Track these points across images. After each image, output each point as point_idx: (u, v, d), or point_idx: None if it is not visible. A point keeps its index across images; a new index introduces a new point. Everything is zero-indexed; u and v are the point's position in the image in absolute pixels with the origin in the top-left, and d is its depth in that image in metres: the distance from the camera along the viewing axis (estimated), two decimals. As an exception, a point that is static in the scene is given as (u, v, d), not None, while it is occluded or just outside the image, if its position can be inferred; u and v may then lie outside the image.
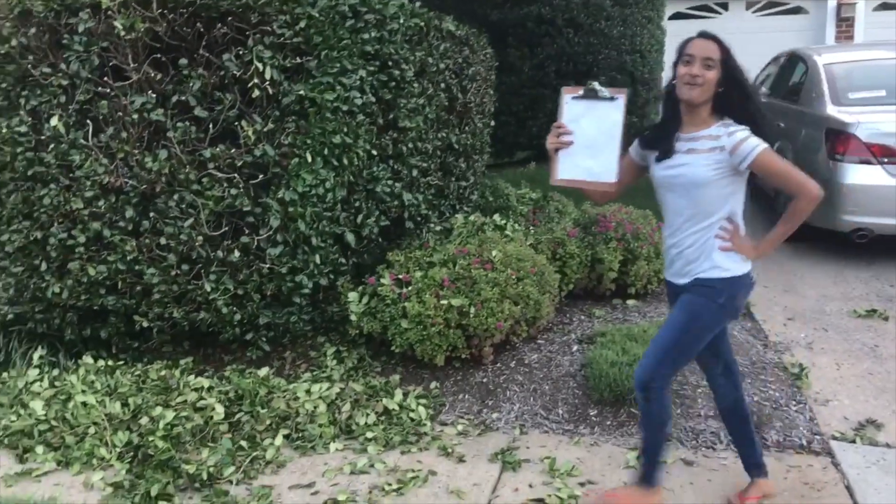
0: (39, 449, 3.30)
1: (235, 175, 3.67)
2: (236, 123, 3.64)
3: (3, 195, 3.82)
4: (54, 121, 3.70)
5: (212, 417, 3.44)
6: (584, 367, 3.92)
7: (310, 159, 3.66)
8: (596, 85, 2.65)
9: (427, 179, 4.70)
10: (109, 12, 3.59)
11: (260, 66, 3.56)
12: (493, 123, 5.78)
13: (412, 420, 3.57)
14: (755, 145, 2.47)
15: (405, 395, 3.74)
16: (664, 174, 2.64)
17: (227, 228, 3.73)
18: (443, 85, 4.65)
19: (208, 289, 3.74)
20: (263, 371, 3.83)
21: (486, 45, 5.49)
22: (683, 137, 2.60)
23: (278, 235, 3.74)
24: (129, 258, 3.73)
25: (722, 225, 2.58)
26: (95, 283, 3.79)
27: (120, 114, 3.67)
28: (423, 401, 3.70)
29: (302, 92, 3.61)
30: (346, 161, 3.82)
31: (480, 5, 8.96)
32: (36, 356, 3.84)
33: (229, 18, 3.58)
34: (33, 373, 3.74)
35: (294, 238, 3.75)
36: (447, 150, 4.92)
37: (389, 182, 4.25)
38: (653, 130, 2.75)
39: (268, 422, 3.47)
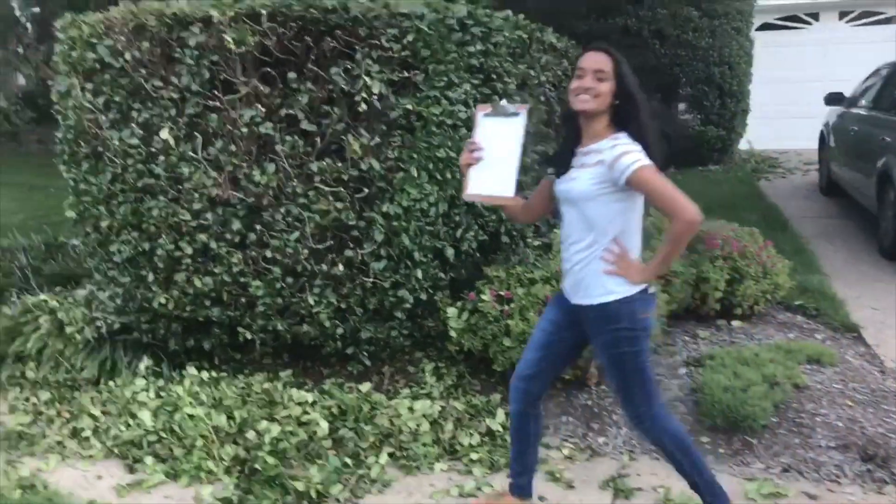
0: (149, 460, 3.33)
1: (341, 189, 3.65)
2: (343, 137, 3.62)
3: (114, 206, 3.89)
4: (164, 133, 3.74)
5: (315, 433, 3.41)
6: (694, 392, 3.76)
7: (415, 174, 3.62)
8: (501, 101, 2.72)
9: (524, 193, 4.60)
10: (220, 26, 3.62)
11: (368, 79, 3.54)
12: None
13: (516, 441, 3.48)
14: (634, 160, 2.41)
15: (507, 414, 3.64)
16: (559, 189, 2.64)
17: (331, 242, 3.71)
18: (542, 98, 4.57)
19: (312, 302, 3.73)
20: (365, 386, 3.79)
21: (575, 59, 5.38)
22: (580, 152, 2.59)
23: (382, 250, 3.70)
24: (234, 270, 3.75)
25: (607, 247, 2.53)
26: (201, 294, 3.82)
27: (229, 127, 3.69)
28: (526, 421, 3.60)
29: (409, 106, 3.57)
30: (448, 175, 3.77)
31: (567, 17, 8.86)
32: (142, 366, 3.88)
33: (338, 32, 3.57)
34: (140, 383, 3.78)
35: (398, 253, 3.70)
36: (543, 163, 4.82)
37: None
38: (557, 149, 2.75)
39: (371, 439, 3.42)
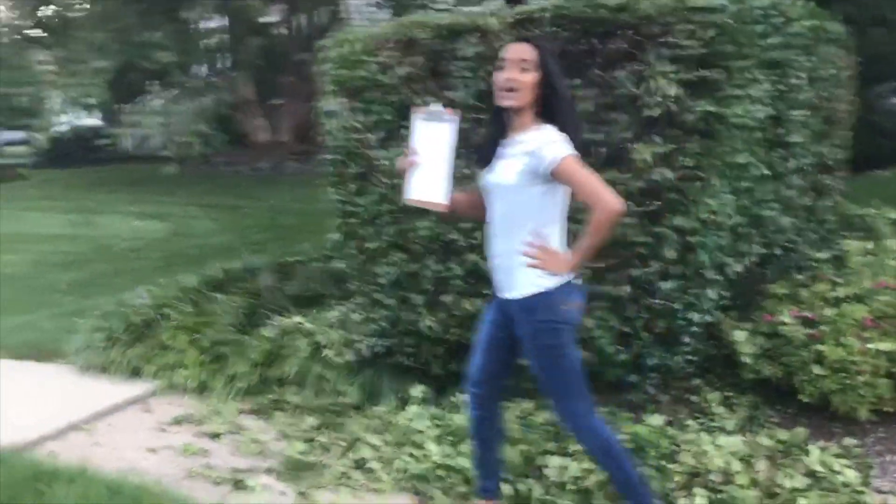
0: (436, 493, 3.14)
1: (628, 202, 3.34)
2: (630, 146, 3.32)
3: (380, 227, 3.77)
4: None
5: (615, 470, 3.10)
6: None
7: (715, 182, 3.26)
8: (433, 105, 2.71)
9: (801, 201, 4.15)
10: (498, 34, 3.43)
11: (660, 81, 3.22)
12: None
13: (844, 485, 3.03)
14: (559, 151, 2.40)
15: (821, 450, 3.20)
16: (485, 181, 2.62)
17: (614, 260, 3.42)
18: (825, 94, 4.09)
19: (590, 325, 3.44)
20: (656, 419, 3.45)
21: (853, 49, 4.85)
22: (506, 143, 2.57)
23: (673, 268, 3.37)
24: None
25: (525, 240, 2.50)
26: (470, 317, 3.62)
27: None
28: (843, 461, 3.15)
29: (709, 108, 3.22)
30: (744, 184, 3.39)
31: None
32: (415, 392, 3.73)
33: (625, 32, 3.28)
34: (413, 410, 3.62)
35: (692, 271, 3.36)
36: (820, 166, 4.34)
37: (773, 205, 3.76)
38: (481, 140, 2.72)
39: (677, 478, 3.08)
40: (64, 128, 20.91)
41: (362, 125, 3.78)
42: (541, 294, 2.51)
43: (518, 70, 2.46)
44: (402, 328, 3.83)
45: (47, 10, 14.40)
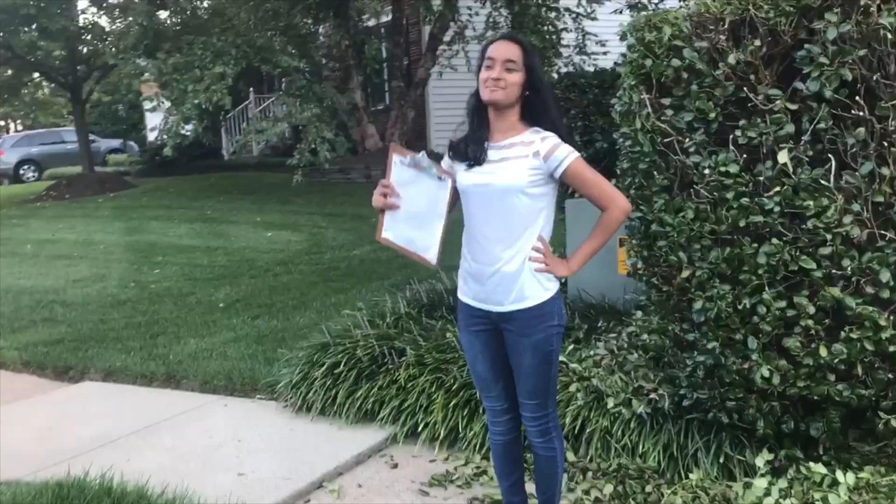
0: None
1: None
2: None
3: (699, 252, 3.07)
4: (783, 157, 2.86)
5: None
6: None
7: None
8: (423, 158, 2.61)
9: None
10: (870, 10, 2.69)
11: None
12: None
13: None
14: (569, 152, 2.44)
15: None
16: (474, 182, 2.53)
17: None
18: None
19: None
20: None
21: None
22: (495, 146, 2.53)
23: None
24: (880, 336, 2.78)
25: (534, 245, 2.50)
26: (824, 366, 2.89)
27: (877, 145, 2.74)
28: None
29: None
30: None
31: None
32: (761, 461, 3.01)
33: None
34: (760, 484, 2.89)
35: None
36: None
37: None
38: (462, 140, 2.62)
39: None
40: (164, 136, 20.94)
41: (672, 126, 3.09)
42: (553, 299, 2.53)
43: (504, 69, 2.45)
44: (723, 377, 3.11)
45: (162, 15, 14.19)
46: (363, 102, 15.76)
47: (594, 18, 15.09)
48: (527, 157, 2.45)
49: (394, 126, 15.74)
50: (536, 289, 2.50)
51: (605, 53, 14.97)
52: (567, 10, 15.16)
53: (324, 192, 13.91)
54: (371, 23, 15.71)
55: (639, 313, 4.06)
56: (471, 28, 15.18)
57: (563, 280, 2.61)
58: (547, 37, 14.83)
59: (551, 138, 2.46)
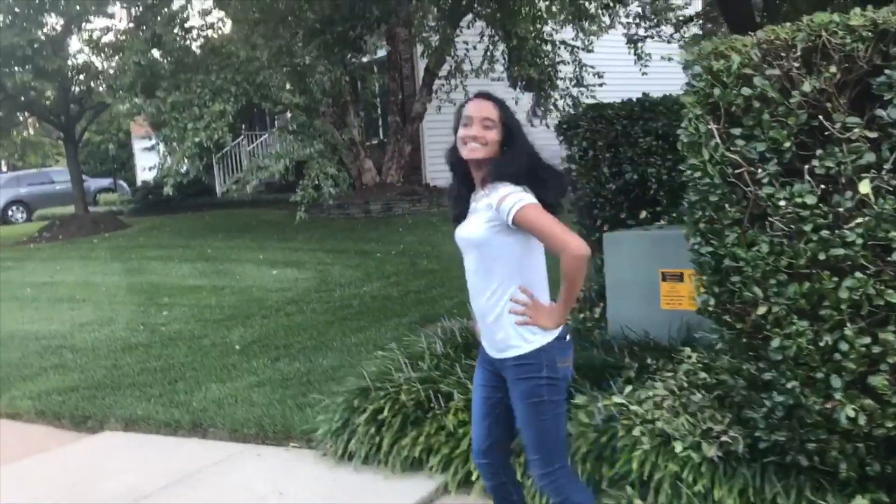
0: None
1: None
2: None
3: (775, 287, 2.94)
4: (864, 187, 2.75)
5: None
6: None
7: None
8: None
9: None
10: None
11: None
12: None
13: None
14: (517, 200, 2.42)
15: None
16: (458, 235, 2.64)
17: None
18: None
19: None
20: None
21: None
22: (475, 197, 2.61)
23: None
24: (973, 372, 2.64)
25: (513, 297, 2.51)
26: (913, 405, 2.75)
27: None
28: None
29: None
30: None
31: None
32: (855, 508, 2.85)
33: None
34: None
35: None
36: None
37: None
38: (448, 194, 2.77)
39: None
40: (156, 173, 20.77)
41: (745, 157, 2.97)
42: (539, 350, 2.49)
43: (482, 127, 2.49)
44: (804, 418, 2.96)
45: (155, 54, 14.08)
46: (360, 137, 15.72)
47: (590, 51, 15.18)
48: (488, 210, 2.48)
49: (390, 160, 15.71)
50: (518, 340, 2.51)
51: (601, 85, 15.08)
52: (563, 42, 15.25)
53: (323, 228, 13.77)
54: (365, 59, 15.72)
55: (687, 350, 3.92)
56: (468, 62, 15.25)
57: (563, 331, 2.55)
58: (543, 70, 14.91)
59: (503, 188, 2.45)
